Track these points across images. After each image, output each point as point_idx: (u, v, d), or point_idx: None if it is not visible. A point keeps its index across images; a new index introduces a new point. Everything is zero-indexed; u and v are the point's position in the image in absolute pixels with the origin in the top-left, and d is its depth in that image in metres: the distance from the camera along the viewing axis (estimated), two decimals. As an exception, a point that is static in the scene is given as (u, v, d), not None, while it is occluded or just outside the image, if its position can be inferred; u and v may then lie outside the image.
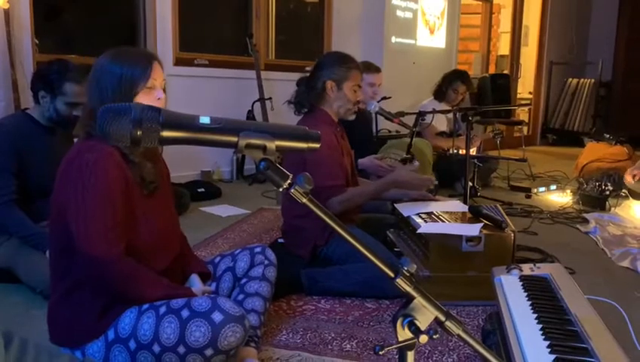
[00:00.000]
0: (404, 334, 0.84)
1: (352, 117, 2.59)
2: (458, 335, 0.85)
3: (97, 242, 1.44)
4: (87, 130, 1.53)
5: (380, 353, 0.83)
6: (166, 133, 0.82)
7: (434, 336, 0.83)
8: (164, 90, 1.59)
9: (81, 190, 1.45)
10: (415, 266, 0.86)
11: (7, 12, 3.28)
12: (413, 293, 0.84)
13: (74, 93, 2.34)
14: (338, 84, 2.48)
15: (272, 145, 0.85)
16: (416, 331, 0.83)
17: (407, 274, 0.84)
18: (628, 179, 3.92)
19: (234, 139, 0.85)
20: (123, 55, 1.56)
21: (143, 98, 1.52)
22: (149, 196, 1.59)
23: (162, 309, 1.48)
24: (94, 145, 1.49)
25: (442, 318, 0.85)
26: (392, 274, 0.84)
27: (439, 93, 4.74)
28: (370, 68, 3.67)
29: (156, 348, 1.45)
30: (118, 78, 1.51)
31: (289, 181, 0.84)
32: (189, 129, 0.84)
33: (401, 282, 0.83)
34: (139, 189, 1.55)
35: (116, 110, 0.82)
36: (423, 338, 0.82)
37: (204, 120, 0.83)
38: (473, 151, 4.32)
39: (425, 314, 0.84)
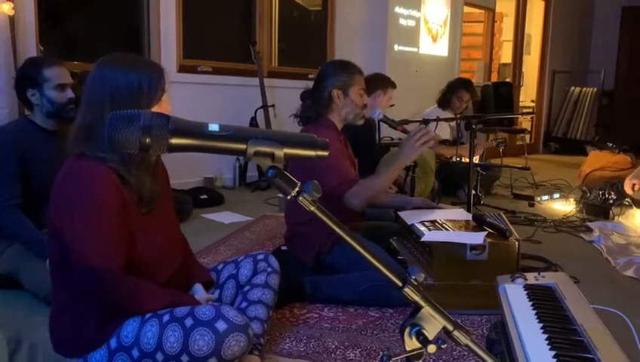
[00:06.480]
0: (411, 344, 0.83)
1: (361, 121, 2.59)
2: (466, 346, 0.84)
3: (94, 264, 1.42)
4: (80, 150, 1.47)
5: (388, 363, 0.82)
6: (175, 141, 0.82)
7: (442, 346, 0.82)
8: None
9: (78, 214, 1.44)
10: (423, 275, 0.85)
11: (12, 19, 3.29)
12: (421, 302, 0.84)
13: (56, 74, 2.35)
14: (344, 91, 2.49)
15: (280, 152, 0.85)
16: (424, 341, 0.82)
17: (415, 283, 0.84)
18: (627, 189, 3.91)
19: (242, 146, 0.84)
20: (134, 68, 1.50)
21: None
22: (147, 213, 1.56)
23: (166, 317, 1.47)
24: (88, 165, 1.45)
25: (450, 328, 0.84)
26: (399, 283, 0.84)
27: (443, 101, 4.75)
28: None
29: (159, 357, 1.44)
30: (136, 93, 1.47)
31: (297, 189, 0.84)
32: (198, 136, 0.84)
33: (409, 291, 0.83)
34: (136, 208, 1.52)
35: (125, 117, 0.82)
36: (432, 348, 0.82)
37: (213, 127, 0.83)
38: (476, 160, 4.32)
39: (433, 323, 0.84)
